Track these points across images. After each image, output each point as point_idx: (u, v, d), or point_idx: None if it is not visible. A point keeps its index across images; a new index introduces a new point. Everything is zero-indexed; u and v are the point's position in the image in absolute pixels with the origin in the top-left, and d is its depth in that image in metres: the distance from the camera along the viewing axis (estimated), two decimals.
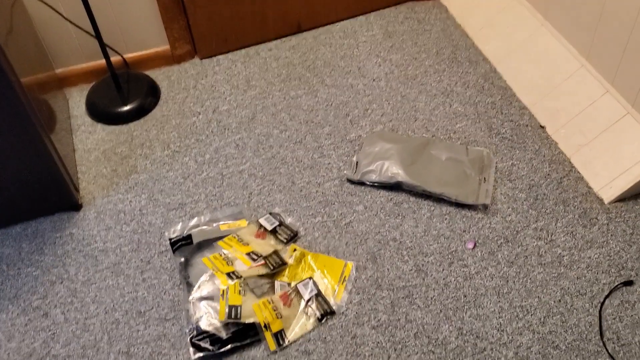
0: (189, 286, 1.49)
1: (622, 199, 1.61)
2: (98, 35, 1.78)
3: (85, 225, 1.67)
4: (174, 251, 1.57)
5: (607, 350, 1.36)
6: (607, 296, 1.45)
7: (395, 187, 1.68)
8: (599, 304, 1.43)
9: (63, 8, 1.85)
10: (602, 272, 1.49)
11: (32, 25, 1.82)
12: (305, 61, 2.07)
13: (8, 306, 1.52)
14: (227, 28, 2.04)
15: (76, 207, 1.70)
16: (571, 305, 1.44)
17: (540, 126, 1.81)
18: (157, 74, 2.06)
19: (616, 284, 1.46)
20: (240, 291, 1.44)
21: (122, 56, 2.01)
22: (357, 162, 1.72)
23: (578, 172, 1.69)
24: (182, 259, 1.55)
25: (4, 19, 1.46)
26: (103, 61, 2.00)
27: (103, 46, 1.82)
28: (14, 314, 1.50)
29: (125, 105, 1.93)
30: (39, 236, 1.65)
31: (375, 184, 1.69)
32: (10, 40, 1.44)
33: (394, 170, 1.66)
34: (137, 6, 1.92)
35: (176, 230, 1.63)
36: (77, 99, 2.00)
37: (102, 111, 1.93)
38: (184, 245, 1.57)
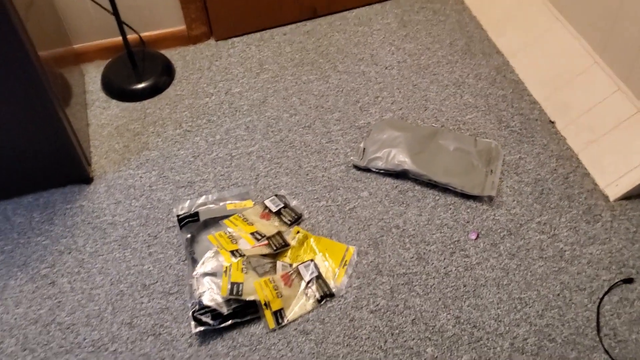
0: (194, 262, 1.52)
1: (628, 197, 1.61)
2: (115, 12, 1.81)
3: (95, 198, 1.71)
4: (180, 227, 1.60)
5: (603, 345, 1.37)
6: (606, 292, 1.45)
7: (401, 175, 1.69)
8: (598, 300, 1.44)
9: None
10: (603, 269, 1.49)
11: (52, 0, 1.85)
12: (318, 47, 2.08)
13: (17, 273, 1.56)
14: (243, 10, 2.06)
15: (87, 180, 1.74)
16: (570, 300, 1.44)
17: (550, 121, 1.81)
18: (172, 54, 2.08)
19: (616, 281, 1.47)
20: (242, 269, 1.46)
21: (138, 34, 2.03)
22: (364, 149, 1.74)
23: (585, 168, 1.69)
24: (189, 235, 1.58)
25: None
26: (120, 38, 2.03)
27: (120, 23, 1.84)
28: (22, 280, 1.54)
29: (140, 83, 1.95)
30: (50, 207, 1.69)
31: (382, 171, 1.70)
32: (30, 13, 1.47)
33: (401, 158, 1.67)
34: None
35: (184, 207, 1.66)
36: (93, 75, 2.03)
37: (117, 88, 1.96)
38: (191, 222, 1.60)
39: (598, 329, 1.40)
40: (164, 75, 1.99)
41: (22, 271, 1.56)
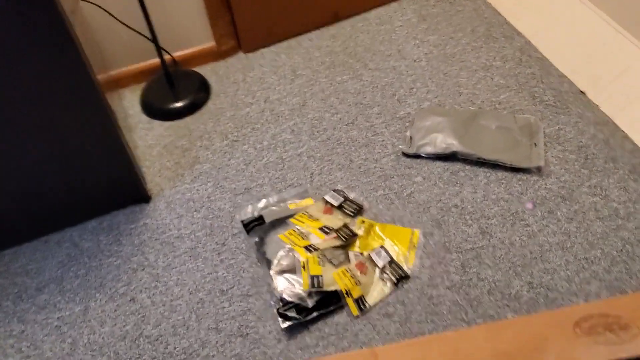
0: (268, 262, 1.57)
1: None
2: (154, 38, 1.87)
3: (157, 215, 1.75)
4: (247, 232, 1.65)
5: None
6: None
7: (450, 157, 1.76)
8: None
9: (115, 11, 1.94)
10: None
11: (90, 28, 1.91)
12: (346, 48, 2.16)
13: (95, 295, 1.60)
14: (269, 21, 2.13)
15: (146, 199, 1.78)
16: (633, 254, 1.51)
17: (581, 92, 1.89)
18: (204, 70, 2.14)
19: None
20: (319, 262, 1.52)
21: (171, 55, 2.09)
22: (411, 137, 1.81)
23: (623, 131, 1.77)
24: (257, 239, 1.63)
25: (71, 20, 1.54)
26: (152, 61, 2.09)
27: (158, 47, 1.90)
28: (102, 301, 1.58)
29: (179, 101, 2.01)
30: (115, 228, 1.73)
31: (431, 156, 1.77)
32: (84, 41, 1.53)
33: (449, 141, 1.74)
34: (183, 5, 2.00)
35: (247, 213, 1.71)
36: (130, 99, 2.08)
37: (157, 108, 2.01)
38: (257, 225, 1.65)
39: None
40: (200, 92, 2.05)
41: (100, 292, 1.60)
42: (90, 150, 1.57)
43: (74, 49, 1.36)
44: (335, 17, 2.23)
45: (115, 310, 1.56)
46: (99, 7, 1.90)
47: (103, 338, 1.51)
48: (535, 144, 1.75)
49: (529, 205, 1.63)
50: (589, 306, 0.67)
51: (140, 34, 1.98)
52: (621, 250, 1.52)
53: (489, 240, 1.58)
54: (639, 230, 1.55)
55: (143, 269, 1.63)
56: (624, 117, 1.78)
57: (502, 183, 1.70)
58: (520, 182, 1.69)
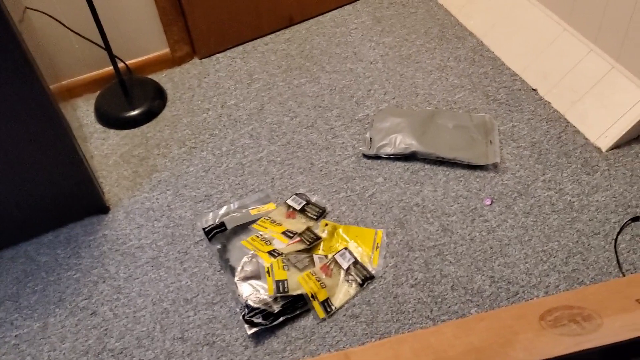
0: (232, 269, 1.56)
1: (618, 145, 1.75)
2: (107, 46, 1.83)
3: (116, 225, 1.71)
4: (209, 239, 1.63)
5: None
6: (619, 233, 1.58)
7: (410, 157, 1.78)
8: (613, 241, 1.57)
9: (65, 20, 1.89)
10: (611, 212, 1.62)
11: (40, 37, 1.86)
12: (302, 51, 2.16)
13: (55, 310, 1.55)
14: (224, 26, 2.11)
15: (104, 210, 1.74)
16: (588, 245, 1.56)
17: (532, 89, 1.94)
18: (159, 77, 2.11)
19: (625, 221, 1.60)
20: (284, 266, 1.51)
21: (125, 63, 2.05)
22: (370, 138, 1.82)
23: (574, 126, 1.83)
24: (219, 246, 1.61)
25: (22, 28, 1.50)
26: (105, 70, 2.04)
27: (111, 55, 1.86)
28: (62, 316, 1.54)
29: (134, 109, 1.97)
30: (73, 241, 1.69)
31: (391, 156, 1.79)
32: (34, 51, 1.48)
33: (408, 142, 1.77)
34: (136, 12, 1.97)
35: (208, 220, 1.69)
36: (84, 109, 2.03)
37: (112, 117, 1.97)
38: (219, 232, 1.63)
39: (619, 266, 1.52)
40: (156, 99, 2.02)
41: (60, 307, 1.56)
42: (43, 162, 1.53)
43: (23, 59, 1.32)
44: (290, 21, 2.23)
45: (77, 325, 1.52)
46: (49, 16, 1.85)
47: (64, 354, 1.46)
48: (490, 141, 1.79)
49: (487, 202, 1.67)
50: (553, 298, 0.68)
51: (92, 42, 1.94)
52: (577, 241, 1.57)
53: (450, 237, 1.61)
54: (592, 222, 1.60)
55: (104, 281, 1.59)
56: (574, 112, 1.84)
57: (461, 181, 1.73)
58: (478, 179, 1.73)
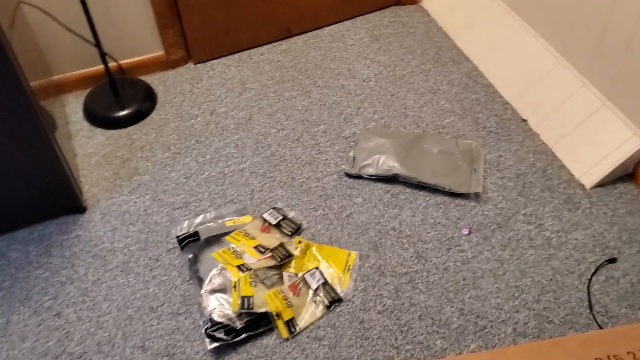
0: (200, 280, 1.54)
1: (602, 184, 1.73)
2: (98, 43, 1.83)
3: (91, 227, 1.71)
4: (182, 248, 1.62)
5: (597, 322, 1.46)
6: (593, 273, 1.55)
7: (391, 179, 1.76)
8: (587, 281, 1.54)
9: (59, 16, 1.89)
10: (588, 252, 1.59)
11: (32, 32, 1.86)
12: (297, 64, 2.15)
13: (19, 308, 1.54)
14: (220, 33, 2.10)
15: (81, 209, 1.74)
16: (562, 283, 1.54)
17: (522, 119, 1.92)
18: (152, 79, 2.11)
19: (601, 262, 1.57)
20: (251, 282, 1.50)
21: (117, 62, 2.05)
22: (354, 157, 1.80)
23: (560, 160, 1.80)
24: (191, 255, 1.60)
25: (8, 23, 1.50)
26: (98, 68, 2.04)
27: (102, 54, 1.86)
28: (25, 315, 1.53)
29: (123, 110, 1.97)
30: (46, 239, 1.68)
31: (373, 177, 1.77)
32: (18, 46, 1.48)
33: (390, 164, 1.75)
34: (132, 13, 1.97)
35: (183, 228, 1.68)
36: (73, 105, 2.03)
37: (100, 116, 1.96)
38: (192, 241, 1.62)
39: (590, 307, 1.49)
40: (146, 101, 2.01)
41: (25, 305, 1.55)
42: (18, 157, 1.52)
43: (2, 55, 1.32)
44: (288, 32, 2.22)
45: (39, 325, 1.51)
46: (43, 11, 1.85)
47: (23, 354, 1.45)
48: (475, 169, 1.76)
49: (465, 231, 1.65)
50: (474, 357, 0.66)
51: (83, 38, 1.94)
52: (551, 279, 1.54)
53: (424, 265, 1.58)
54: (569, 260, 1.58)
55: (72, 283, 1.59)
56: (562, 146, 1.81)
57: (441, 207, 1.71)
58: (458, 208, 1.70)
